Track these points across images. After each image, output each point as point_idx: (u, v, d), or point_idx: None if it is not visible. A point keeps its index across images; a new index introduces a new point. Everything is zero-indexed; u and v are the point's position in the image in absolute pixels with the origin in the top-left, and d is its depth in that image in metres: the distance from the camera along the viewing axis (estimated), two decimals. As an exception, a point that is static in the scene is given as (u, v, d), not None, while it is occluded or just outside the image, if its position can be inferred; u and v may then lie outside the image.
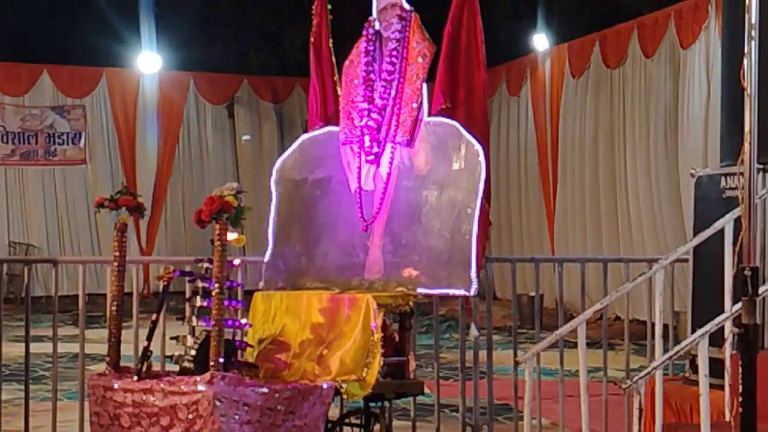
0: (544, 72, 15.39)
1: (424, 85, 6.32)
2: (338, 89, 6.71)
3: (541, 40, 15.37)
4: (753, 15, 3.79)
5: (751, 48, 3.79)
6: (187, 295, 5.94)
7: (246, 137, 18.76)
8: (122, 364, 5.83)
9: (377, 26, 6.51)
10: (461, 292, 5.96)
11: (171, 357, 5.79)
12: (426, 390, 6.43)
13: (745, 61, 3.81)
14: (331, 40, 6.83)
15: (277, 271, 6.52)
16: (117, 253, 5.87)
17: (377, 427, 6.18)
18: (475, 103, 6.46)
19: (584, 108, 14.56)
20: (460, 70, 6.38)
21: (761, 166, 5.62)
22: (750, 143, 3.80)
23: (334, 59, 6.80)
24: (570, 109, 14.86)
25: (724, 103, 6.76)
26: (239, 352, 5.74)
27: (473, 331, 6.69)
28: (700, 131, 11.98)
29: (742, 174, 3.93)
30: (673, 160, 12.61)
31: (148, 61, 17.15)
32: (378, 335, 5.71)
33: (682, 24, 12.27)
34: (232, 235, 5.52)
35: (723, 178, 6.31)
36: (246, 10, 18.92)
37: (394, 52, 6.38)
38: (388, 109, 6.35)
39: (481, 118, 6.48)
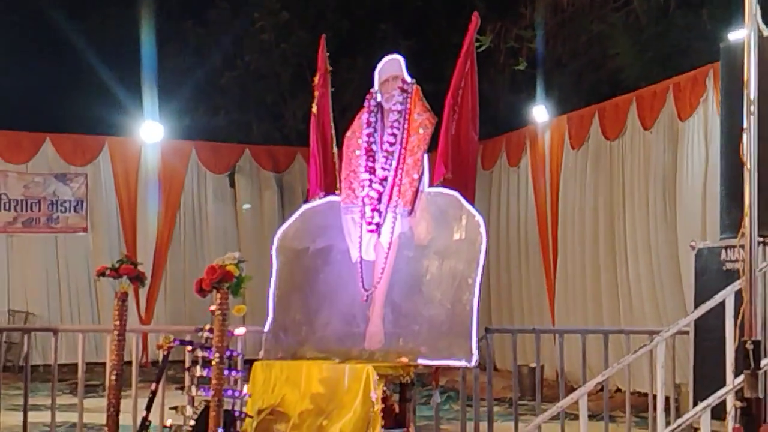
0: (543, 143, 15.46)
1: (425, 156, 6.37)
2: (335, 160, 6.76)
3: (540, 112, 15.46)
4: (752, 90, 3.83)
5: (750, 123, 3.83)
6: (187, 364, 5.93)
7: (247, 206, 18.79)
8: (121, 435, 5.80)
9: (379, 98, 6.57)
10: (462, 362, 5.95)
11: (170, 427, 5.75)
12: (426, 462, 6.39)
13: (744, 136, 3.84)
14: (332, 112, 6.90)
15: (278, 340, 6.50)
16: (117, 322, 5.87)
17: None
18: (470, 172, 6.53)
19: (584, 179, 14.60)
20: (461, 141, 6.44)
21: (761, 239, 5.63)
22: (750, 217, 3.81)
23: (333, 131, 6.86)
24: (570, 180, 14.91)
25: (723, 176, 6.80)
26: (238, 422, 5.71)
27: (435, 398, 6.71)
28: (698, 203, 12.01)
29: (742, 247, 3.94)
30: (672, 232, 12.62)
31: (150, 130, 17.24)
32: (378, 406, 5.68)
33: (681, 96, 12.35)
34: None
35: (723, 251, 6.33)
36: (248, 81, 19.10)
37: (396, 124, 6.44)
38: (390, 179, 6.39)
39: (473, 186, 6.55)
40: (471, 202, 6.34)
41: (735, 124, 5.10)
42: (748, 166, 3.82)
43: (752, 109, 3.80)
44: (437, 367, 6.46)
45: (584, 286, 14.57)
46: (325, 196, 6.73)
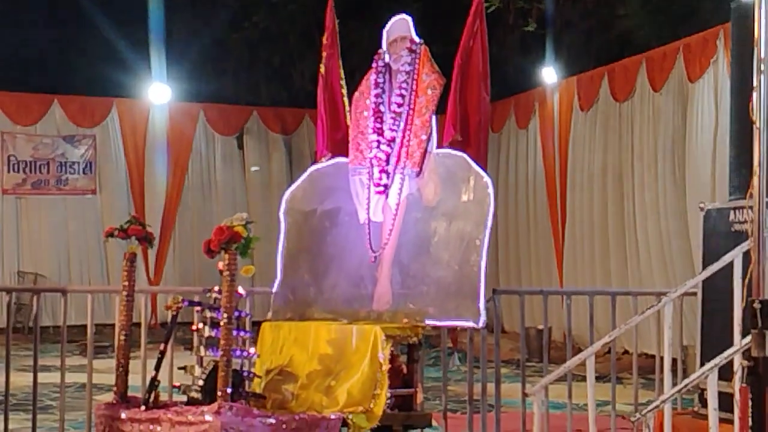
0: (552, 105, 15.43)
1: (433, 117, 6.35)
2: (348, 119, 6.74)
3: (549, 74, 15.41)
4: (762, 49, 3.81)
5: (761, 81, 3.81)
6: (195, 325, 5.94)
7: (255, 168, 18.81)
8: (130, 394, 5.83)
9: (387, 59, 6.54)
10: (469, 323, 5.96)
11: (179, 387, 5.78)
12: (434, 423, 6.40)
13: (755, 95, 3.82)
14: (342, 72, 6.86)
15: (286, 301, 6.52)
16: (126, 283, 5.87)
17: (384, 459, 6.14)
18: (482, 134, 6.51)
19: (593, 141, 14.58)
20: (470, 102, 6.42)
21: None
22: (759, 177, 3.80)
23: (345, 90, 6.82)
24: (578, 142, 14.89)
25: (733, 137, 6.77)
26: (247, 382, 5.73)
27: (454, 360, 6.72)
28: (707, 165, 11.99)
29: (751, 208, 3.93)
30: (681, 194, 12.61)
31: (158, 92, 17.23)
32: (386, 367, 5.70)
33: (691, 58, 12.30)
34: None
35: (732, 212, 6.31)
36: (255, 43, 19.02)
37: (404, 85, 6.41)
38: (398, 140, 6.38)
39: (485, 148, 6.54)
40: (484, 163, 6.33)
41: (745, 84, 5.07)
42: (758, 126, 3.80)
43: (762, 67, 3.77)
44: (454, 330, 6.48)
45: (592, 248, 14.58)
46: (332, 156, 6.71)
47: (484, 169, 6.22)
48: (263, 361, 6.16)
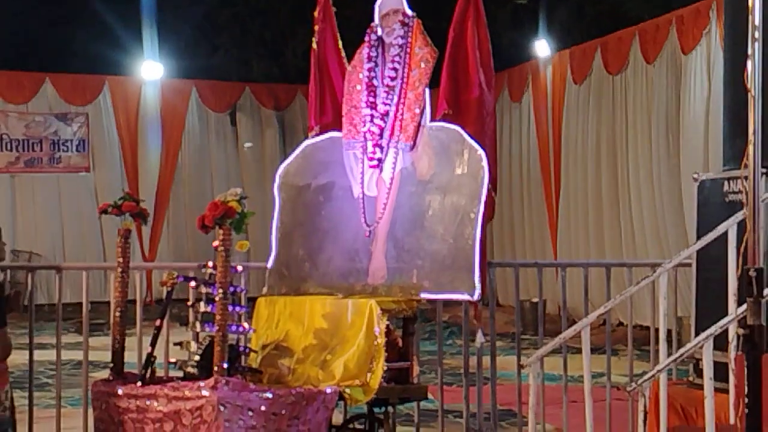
0: (545, 78, 15.42)
1: (427, 91, 6.33)
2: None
3: (542, 47, 15.39)
4: (756, 16, 3.79)
5: (755, 49, 3.79)
6: (191, 301, 5.94)
7: (248, 144, 18.79)
8: (126, 370, 5.83)
9: (379, 32, 6.51)
10: (465, 296, 5.96)
11: (175, 363, 5.78)
12: (429, 395, 6.42)
13: (749, 63, 3.80)
14: (341, 42, 6.83)
15: (281, 276, 6.52)
16: (120, 259, 5.87)
17: (381, 432, 6.17)
18: (485, 109, 6.46)
19: (586, 114, 14.57)
20: (463, 77, 6.39)
21: (765, 170, 5.62)
22: (754, 145, 3.79)
23: (346, 63, 6.77)
24: (572, 115, 14.88)
25: (726, 106, 6.75)
26: (243, 357, 5.74)
27: (479, 338, 6.68)
28: (701, 136, 12.00)
29: (745, 178, 3.93)
30: (675, 165, 12.63)
31: (151, 69, 17.19)
32: (381, 340, 5.71)
33: (684, 29, 12.29)
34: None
35: (726, 182, 6.30)
36: (247, 18, 18.96)
37: (397, 58, 6.39)
38: (391, 114, 6.35)
39: (492, 123, 6.50)
40: (491, 139, 6.33)
41: (738, 53, 5.06)
42: (753, 94, 3.78)
43: (757, 35, 3.76)
44: (476, 306, 6.49)
45: (586, 220, 14.61)
46: (321, 131, 6.70)
47: (486, 144, 6.20)
48: (259, 336, 6.17)
